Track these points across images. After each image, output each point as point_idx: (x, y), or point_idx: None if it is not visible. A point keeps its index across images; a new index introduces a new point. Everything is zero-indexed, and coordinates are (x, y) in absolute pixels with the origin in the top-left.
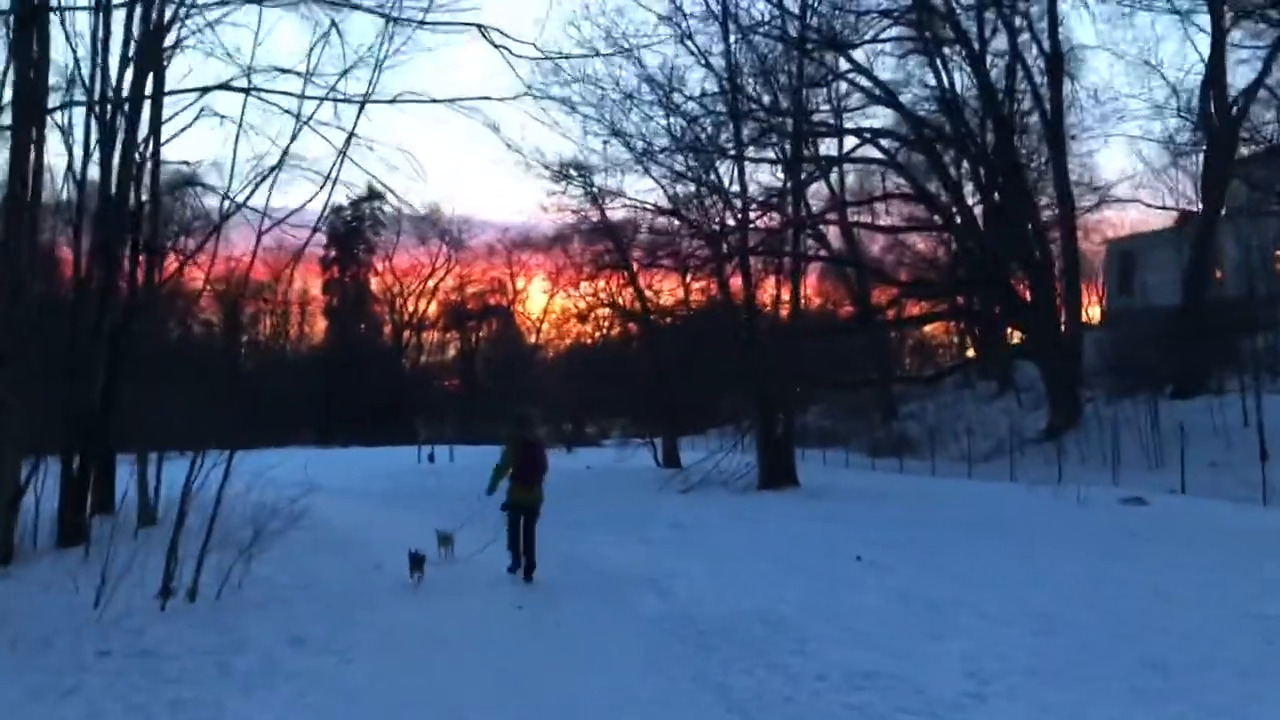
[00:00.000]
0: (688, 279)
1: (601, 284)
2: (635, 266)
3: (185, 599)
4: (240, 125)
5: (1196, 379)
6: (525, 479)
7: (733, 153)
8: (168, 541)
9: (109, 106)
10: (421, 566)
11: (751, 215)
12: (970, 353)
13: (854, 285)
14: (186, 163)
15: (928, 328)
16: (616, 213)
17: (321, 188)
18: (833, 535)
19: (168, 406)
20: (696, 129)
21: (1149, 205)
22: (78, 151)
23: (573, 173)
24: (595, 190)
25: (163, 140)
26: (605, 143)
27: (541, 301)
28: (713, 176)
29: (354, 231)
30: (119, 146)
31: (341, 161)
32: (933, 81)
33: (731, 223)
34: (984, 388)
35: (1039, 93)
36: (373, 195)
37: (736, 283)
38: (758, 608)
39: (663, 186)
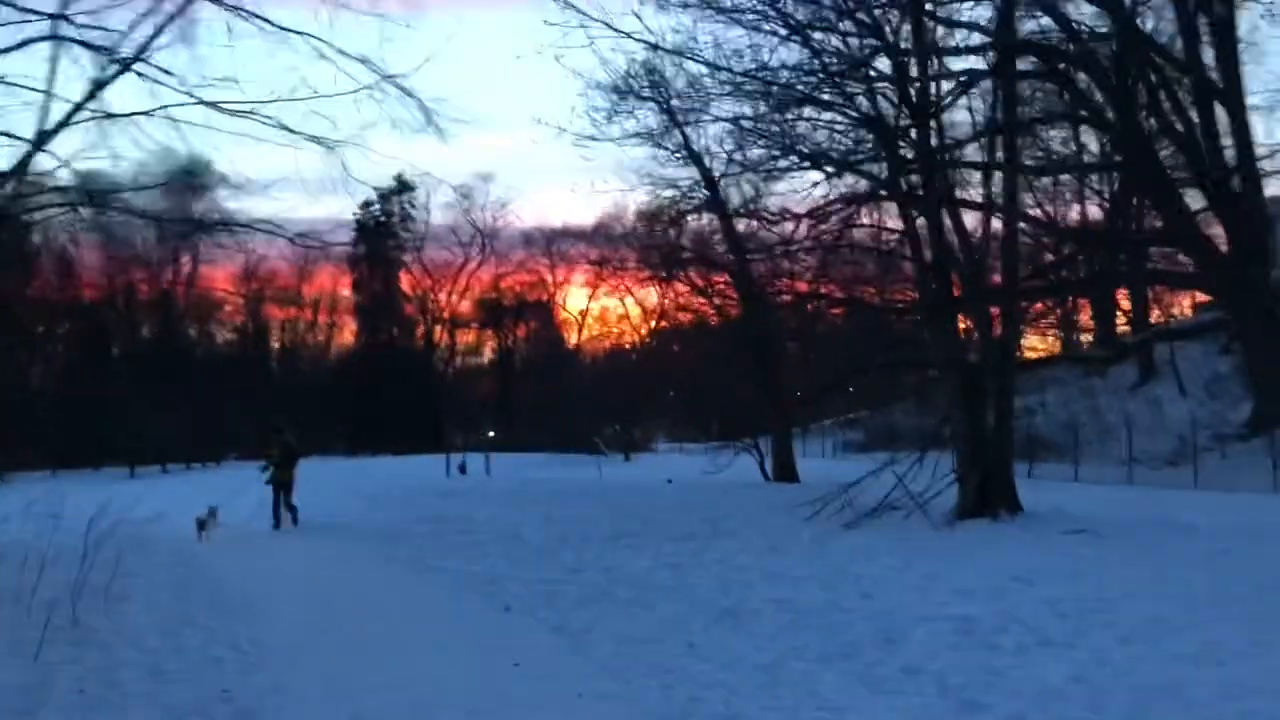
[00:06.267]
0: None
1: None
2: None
3: None
4: None
5: None
6: (284, 466)
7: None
8: None
9: None
10: (206, 526)
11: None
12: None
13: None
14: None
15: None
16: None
17: None
18: None
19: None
20: None
21: None
22: None
23: (644, 84)
24: (673, 101)
25: None
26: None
27: (583, 297)
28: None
29: (383, 227)
30: None
31: None
32: None
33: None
34: (1116, 376)
35: None
36: (403, 188)
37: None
38: None
39: (803, 71)
